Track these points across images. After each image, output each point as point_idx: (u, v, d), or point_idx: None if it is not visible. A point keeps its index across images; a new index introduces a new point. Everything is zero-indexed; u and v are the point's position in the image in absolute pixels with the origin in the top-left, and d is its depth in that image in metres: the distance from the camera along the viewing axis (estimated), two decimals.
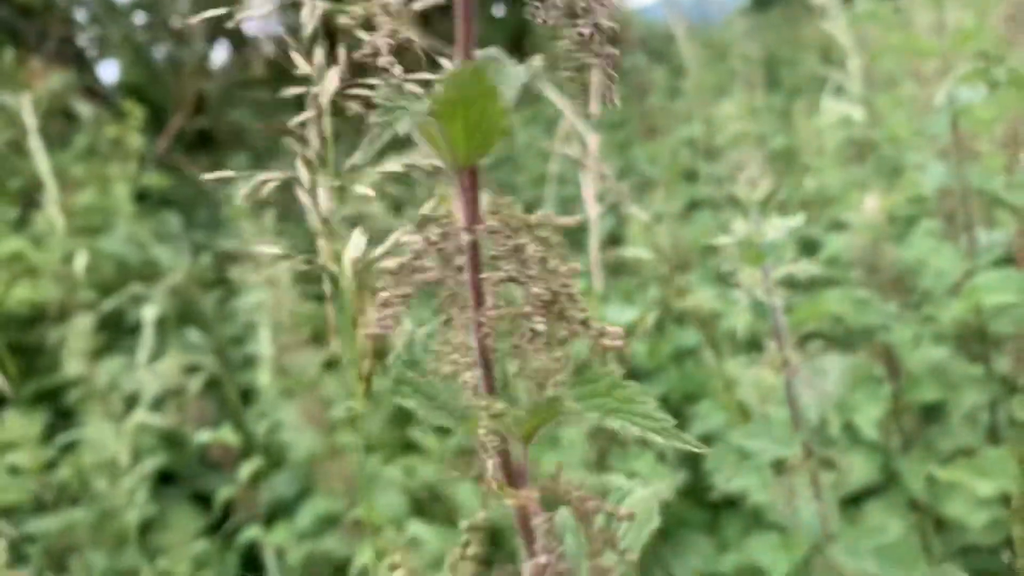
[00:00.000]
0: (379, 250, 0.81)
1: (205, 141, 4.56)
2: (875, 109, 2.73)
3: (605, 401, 0.50)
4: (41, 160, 2.46)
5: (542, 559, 0.52)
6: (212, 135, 4.55)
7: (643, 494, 0.61)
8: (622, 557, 0.54)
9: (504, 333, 0.50)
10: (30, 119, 2.46)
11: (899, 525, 1.30)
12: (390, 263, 0.50)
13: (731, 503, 2.11)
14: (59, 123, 3.59)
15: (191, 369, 2.26)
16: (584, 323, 0.49)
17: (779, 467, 1.58)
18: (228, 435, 1.92)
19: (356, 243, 0.83)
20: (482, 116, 0.48)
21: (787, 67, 4.38)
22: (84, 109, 3.45)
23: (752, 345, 2.28)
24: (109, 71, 6.75)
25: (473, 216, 0.50)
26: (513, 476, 0.54)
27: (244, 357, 2.75)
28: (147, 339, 2.23)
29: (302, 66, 0.77)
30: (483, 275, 0.49)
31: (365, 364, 0.75)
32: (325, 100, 0.71)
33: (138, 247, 2.93)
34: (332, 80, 0.72)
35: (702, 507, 2.15)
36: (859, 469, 1.71)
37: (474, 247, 0.50)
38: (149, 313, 2.25)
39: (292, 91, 0.77)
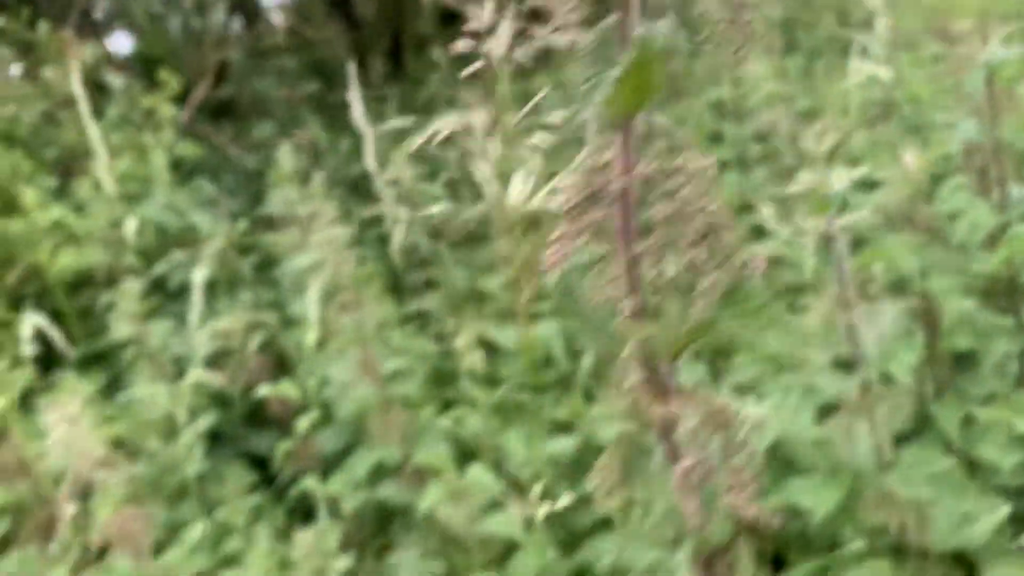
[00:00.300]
0: (541, 193, 0.89)
1: (226, 111, 4.61)
2: (899, 70, 2.78)
3: (756, 320, 0.58)
4: (91, 127, 2.52)
5: (689, 461, 0.59)
6: (234, 105, 4.61)
7: (756, 411, 0.69)
8: (751, 458, 0.62)
9: (657, 263, 0.57)
10: (78, 89, 2.51)
11: (945, 460, 1.39)
12: (563, 205, 0.57)
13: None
14: (91, 94, 3.64)
15: (252, 327, 2.33)
16: (731, 252, 0.57)
17: (824, 411, 1.66)
18: (288, 388, 2.00)
19: (518, 187, 0.90)
20: (649, 76, 0.55)
21: (804, 29, 4.41)
22: (115, 80, 3.50)
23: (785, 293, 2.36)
24: (123, 42, 6.78)
25: (632, 162, 0.57)
26: (660, 391, 0.61)
27: (284, 319, 2.83)
28: (197, 301, 2.31)
29: (475, 20, 0.83)
30: (648, 213, 0.57)
31: (527, 293, 0.82)
32: (498, 55, 0.77)
33: (177, 214, 3.00)
34: (504, 35, 0.78)
35: None
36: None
37: (632, 189, 0.57)
38: (198, 276, 2.32)
39: (461, 47, 0.83)
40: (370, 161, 2.27)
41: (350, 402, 2.16)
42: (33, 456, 1.66)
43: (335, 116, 4.70)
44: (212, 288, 2.66)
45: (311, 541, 1.33)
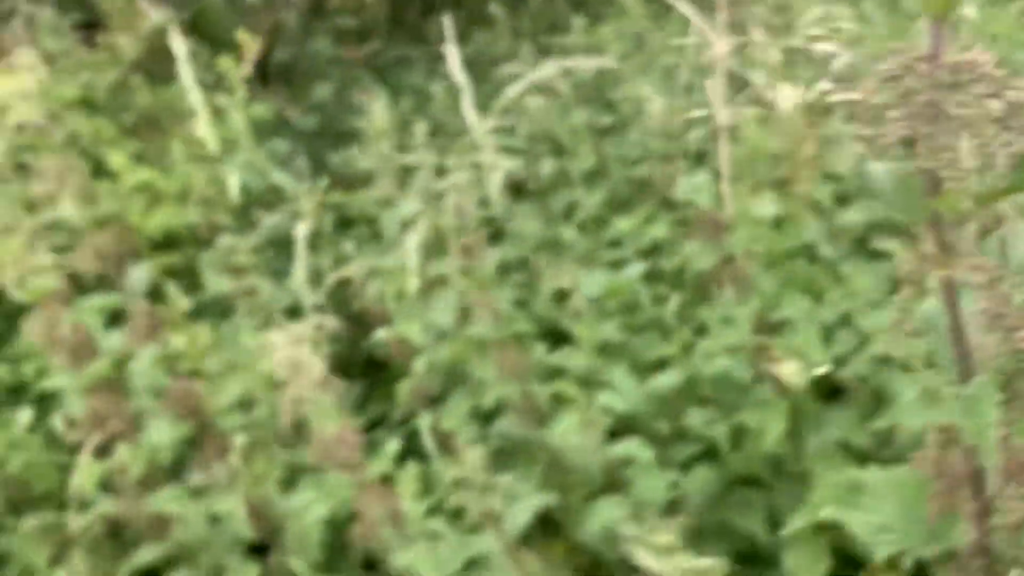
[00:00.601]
0: (820, 89, 0.96)
1: (281, 74, 4.67)
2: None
3: None
4: (192, 89, 2.59)
5: (983, 305, 0.68)
6: (289, 68, 4.66)
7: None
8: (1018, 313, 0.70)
9: (972, 137, 0.65)
10: (180, 50, 2.58)
11: None
12: (879, 94, 0.64)
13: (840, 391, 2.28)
14: (156, 59, 3.71)
15: (372, 273, 2.42)
16: None
17: None
18: (409, 328, 2.09)
19: (791, 90, 0.97)
20: None
21: None
22: (180, 45, 3.56)
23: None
24: (154, 13, 6.83)
25: (943, 52, 0.65)
26: (947, 252, 0.70)
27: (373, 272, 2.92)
28: (301, 254, 2.40)
29: None
30: (957, 96, 0.64)
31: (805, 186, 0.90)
32: None
33: (259, 173, 3.08)
34: None
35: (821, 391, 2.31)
36: None
37: (946, 75, 0.64)
38: (301, 230, 2.41)
39: None
40: (469, 111, 2.34)
41: (457, 343, 2.24)
42: (206, 392, 1.76)
43: (387, 76, 4.76)
44: (308, 243, 2.74)
45: (474, 458, 1.42)
